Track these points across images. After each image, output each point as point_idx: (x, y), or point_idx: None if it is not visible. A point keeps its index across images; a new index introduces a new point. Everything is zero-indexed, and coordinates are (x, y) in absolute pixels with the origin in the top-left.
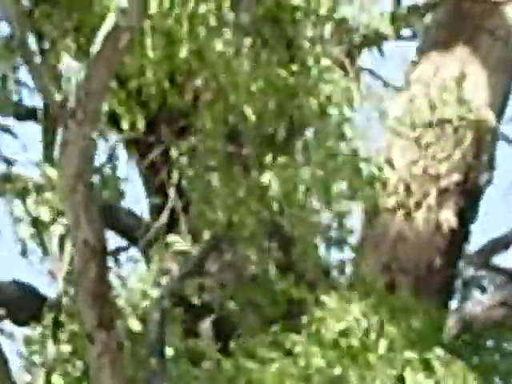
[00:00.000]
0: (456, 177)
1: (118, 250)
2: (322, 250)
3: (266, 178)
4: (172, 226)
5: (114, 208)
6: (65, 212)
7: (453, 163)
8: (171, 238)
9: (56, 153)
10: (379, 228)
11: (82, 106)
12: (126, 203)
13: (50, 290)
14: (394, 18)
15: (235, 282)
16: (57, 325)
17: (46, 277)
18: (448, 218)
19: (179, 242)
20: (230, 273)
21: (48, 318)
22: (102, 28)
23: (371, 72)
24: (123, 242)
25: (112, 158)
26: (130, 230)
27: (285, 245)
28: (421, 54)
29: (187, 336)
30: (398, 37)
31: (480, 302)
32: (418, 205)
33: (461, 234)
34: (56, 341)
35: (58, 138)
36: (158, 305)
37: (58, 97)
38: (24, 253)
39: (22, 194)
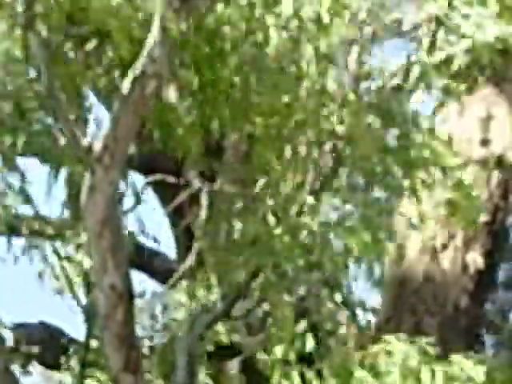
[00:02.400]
0: (483, 217)
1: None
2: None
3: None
4: (200, 265)
5: (142, 249)
6: (92, 256)
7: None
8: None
9: (82, 197)
10: (406, 269)
11: (109, 151)
12: (153, 244)
13: (78, 330)
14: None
15: (261, 323)
16: (84, 367)
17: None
18: (475, 258)
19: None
20: (256, 315)
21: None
22: (130, 74)
23: None
24: (152, 283)
25: (138, 200)
26: (158, 270)
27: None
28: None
29: (215, 377)
30: None
31: None
32: (445, 246)
33: (488, 274)
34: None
35: (85, 183)
36: (186, 349)
37: (85, 141)
38: (57, 292)
39: (52, 236)
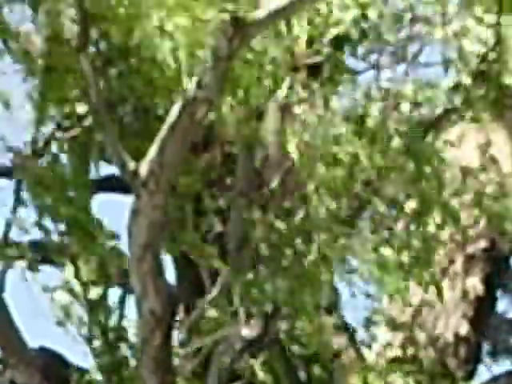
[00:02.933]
0: (482, 243)
1: None
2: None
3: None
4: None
5: None
6: (132, 281)
7: (479, 230)
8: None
9: (127, 221)
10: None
11: (155, 176)
12: None
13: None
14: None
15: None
16: None
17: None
18: (475, 284)
19: None
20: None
21: None
22: (179, 99)
23: None
24: None
25: None
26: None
27: None
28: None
29: None
30: None
31: None
32: (444, 271)
33: (488, 300)
34: None
35: (130, 207)
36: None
37: (131, 166)
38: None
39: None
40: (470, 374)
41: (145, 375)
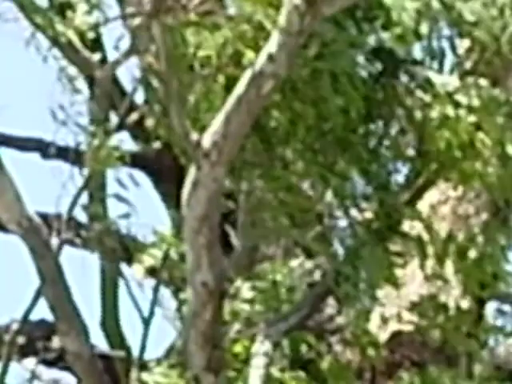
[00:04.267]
0: (484, 216)
1: None
2: None
3: None
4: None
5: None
6: (187, 253)
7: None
8: None
9: (185, 192)
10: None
11: (218, 147)
12: None
13: None
14: None
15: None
16: None
17: None
18: None
19: None
20: None
21: None
22: (247, 72)
23: None
24: None
25: None
26: None
27: None
28: None
29: None
30: None
31: None
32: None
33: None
34: None
35: (190, 177)
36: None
37: (194, 135)
38: None
39: None
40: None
41: (192, 350)
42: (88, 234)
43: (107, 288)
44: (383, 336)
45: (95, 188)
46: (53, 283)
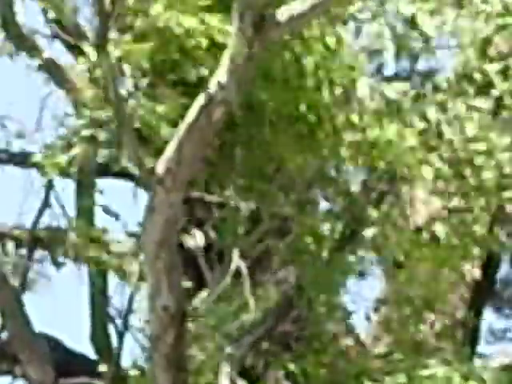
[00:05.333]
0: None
1: None
2: None
3: None
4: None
5: None
6: (147, 277)
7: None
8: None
9: (142, 217)
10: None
11: (172, 174)
12: None
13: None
14: None
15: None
16: None
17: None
18: (471, 270)
19: None
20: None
21: None
22: (198, 100)
23: None
24: None
25: None
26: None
27: None
28: None
29: None
30: None
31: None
32: None
33: (485, 284)
34: None
35: (145, 203)
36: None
37: (148, 162)
38: None
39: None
40: (468, 357)
41: (156, 373)
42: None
43: (96, 301)
44: None
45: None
46: (12, 315)
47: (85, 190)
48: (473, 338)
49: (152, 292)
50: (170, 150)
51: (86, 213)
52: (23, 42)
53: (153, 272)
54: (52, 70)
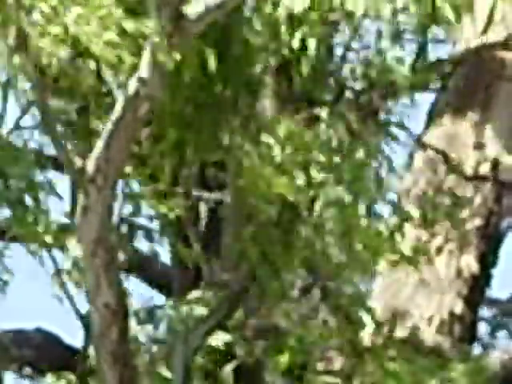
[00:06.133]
0: (477, 221)
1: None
2: None
3: None
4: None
5: (147, 260)
6: (86, 276)
7: (474, 208)
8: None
9: (76, 217)
10: (400, 274)
11: (102, 172)
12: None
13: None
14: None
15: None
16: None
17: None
18: (469, 262)
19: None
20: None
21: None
22: (122, 96)
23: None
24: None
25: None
26: (154, 277)
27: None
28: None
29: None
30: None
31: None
32: (440, 250)
33: (482, 278)
34: None
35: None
36: (181, 362)
37: (78, 162)
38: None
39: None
40: (466, 353)
41: (102, 370)
42: None
43: None
44: None
45: None
46: None
47: None
48: (471, 334)
49: (92, 289)
50: (98, 148)
51: None
52: None
53: (92, 270)
54: None
